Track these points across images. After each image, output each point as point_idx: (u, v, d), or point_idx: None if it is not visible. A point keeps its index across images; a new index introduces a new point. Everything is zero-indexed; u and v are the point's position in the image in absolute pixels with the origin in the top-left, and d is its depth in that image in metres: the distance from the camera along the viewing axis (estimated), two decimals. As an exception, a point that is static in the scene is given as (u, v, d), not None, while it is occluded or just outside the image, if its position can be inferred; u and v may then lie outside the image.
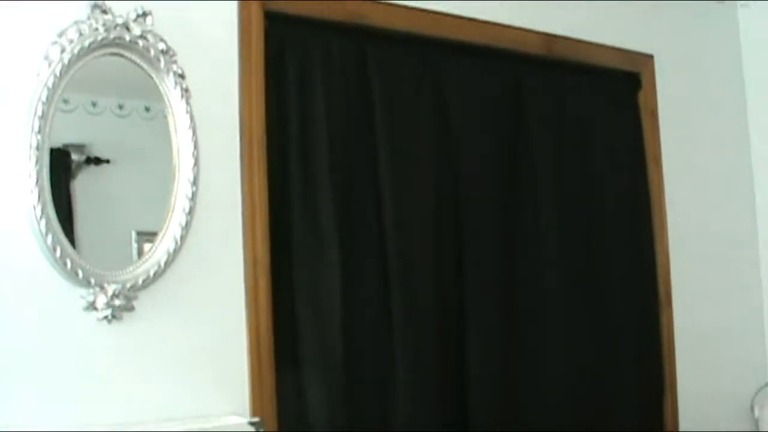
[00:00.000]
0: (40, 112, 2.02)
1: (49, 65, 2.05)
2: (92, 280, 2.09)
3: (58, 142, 2.09)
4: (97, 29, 2.11)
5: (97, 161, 2.18)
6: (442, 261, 2.75)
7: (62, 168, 2.12)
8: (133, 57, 2.19)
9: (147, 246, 2.22)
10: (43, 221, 2.01)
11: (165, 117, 2.24)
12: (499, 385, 2.81)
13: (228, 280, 2.35)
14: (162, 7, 2.24)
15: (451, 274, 2.77)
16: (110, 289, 2.11)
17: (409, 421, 2.57)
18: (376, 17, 2.66)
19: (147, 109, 2.26)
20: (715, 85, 3.70)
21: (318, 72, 2.51)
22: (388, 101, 2.65)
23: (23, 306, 2.02)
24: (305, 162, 2.47)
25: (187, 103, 2.25)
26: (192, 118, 2.26)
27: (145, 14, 2.20)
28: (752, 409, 3.55)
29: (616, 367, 3.14)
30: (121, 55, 2.18)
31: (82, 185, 2.17)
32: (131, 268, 2.16)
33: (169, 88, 2.24)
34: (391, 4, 2.70)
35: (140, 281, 2.16)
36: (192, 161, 2.25)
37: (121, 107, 2.23)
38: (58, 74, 2.05)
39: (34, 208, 2.01)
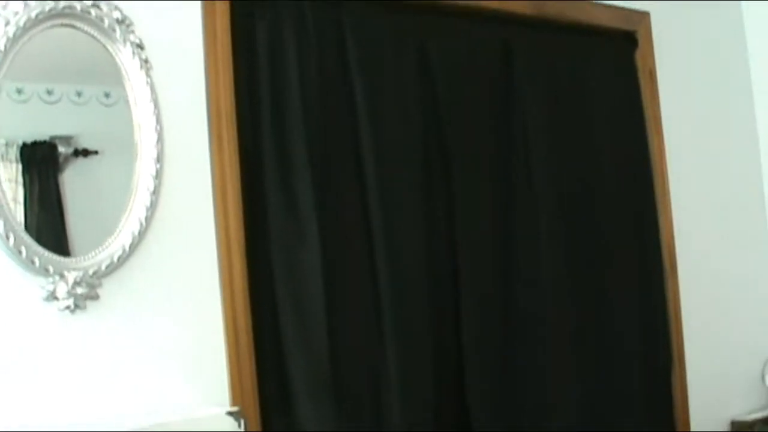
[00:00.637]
0: (-15, 91, 1.88)
1: (-7, 40, 1.90)
2: (50, 268, 1.95)
3: (44, 135, 2.01)
4: (44, -1, 1.95)
5: (86, 153, 2.07)
6: (432, 234, 2.62)
7: (50, 161, 2.02)
8: (86, 27, 2.04)
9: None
10: (-8, 208, 1.87)
11: (125, 91, 2.10)
12: (495, 355, 2.73)
13: (200, 261, 2.21)
14: (117, -28, 2.09)
15: (442, 247, 2.65)
16: (71, 276, 1.97)
17: (401, 398, 2.45)
18: (352, -23, 2.51)
19: (107, 95, 2.12)
20: (716, 43, 3.59)
21: (291, 37, 2.36)
22: (367, 68, 2.50)
23: (-24, 299, 1.90)
24: (280, 135, 2.33)
25: (147, 75, 2.11)
26: (153, 90, 2.12)
27: (97, -20, 2.04)
28: (763, 378, 3.52)
29: (622, 341, 3.03)
30: (73, 26, 2.02)
31: (71, 178, 2.06)
32: (93, 254, 2.03)
33: (126, 59, 2.09)
34: (368, -36, 2.55)
35: (103, 267, 2.03)
36: (155, 137, 2.11)
37: (79, 95, 2.09)
38: (2, 49, 1.90)
39: (-20, 194, 1.87)
